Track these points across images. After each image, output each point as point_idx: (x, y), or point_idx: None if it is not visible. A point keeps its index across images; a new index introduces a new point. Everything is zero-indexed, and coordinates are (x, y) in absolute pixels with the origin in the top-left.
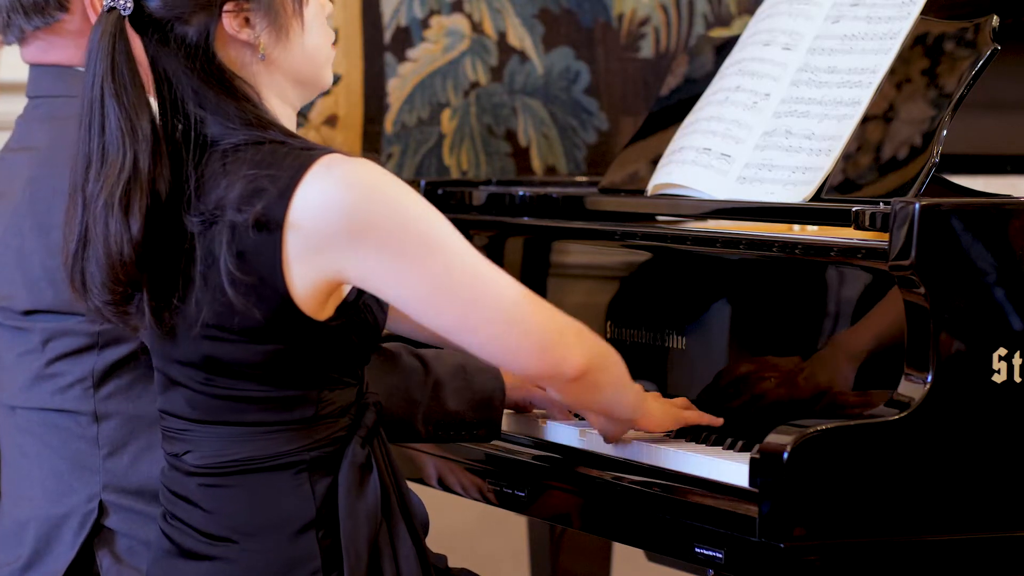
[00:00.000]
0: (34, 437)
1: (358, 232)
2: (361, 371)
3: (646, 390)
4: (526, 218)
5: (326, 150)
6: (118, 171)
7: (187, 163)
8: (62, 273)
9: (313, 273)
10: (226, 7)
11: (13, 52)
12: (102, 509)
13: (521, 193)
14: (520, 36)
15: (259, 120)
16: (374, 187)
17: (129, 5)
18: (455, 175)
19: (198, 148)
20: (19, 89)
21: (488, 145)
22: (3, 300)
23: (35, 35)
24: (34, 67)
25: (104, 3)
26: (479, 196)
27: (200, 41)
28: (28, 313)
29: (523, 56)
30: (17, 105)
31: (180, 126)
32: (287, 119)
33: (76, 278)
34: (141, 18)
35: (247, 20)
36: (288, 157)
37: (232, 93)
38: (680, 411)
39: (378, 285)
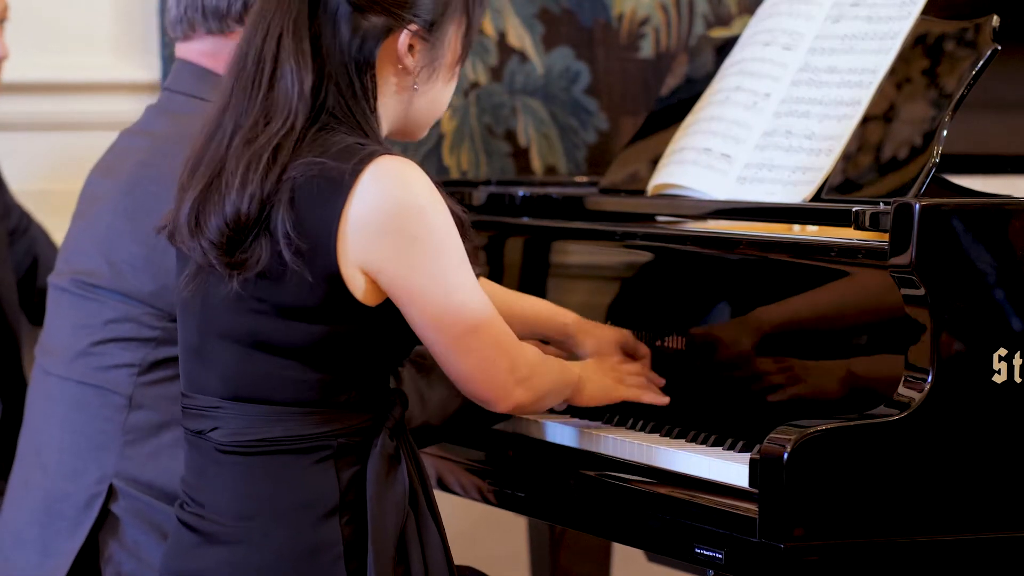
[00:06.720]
0: (63, 408)
1: (395, 231)
2: (395, 365)
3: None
4: (526, 218)
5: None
6: (278, 128)
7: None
8: (145, 263)
9: (354, 257)
10: (411, 25)
11: (13, 53)
12: (111, 493)
13: (521, 193)
14: (520, 36)
15: (368, 124)
16: (425, 204)
17: None
18: (455, 175)
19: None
20: (19, 89)
21: (488, 145)
22: (81, 273)
23: (203, 37)
24: (181, 62)
25: None
26: (479, 196)
27: (369, 40)
28: (102, 288)
29: (523, 56)
30: (17, 105)
31: (322, 99)
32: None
33: (192, 213)
34: None
35: (412, 48)
36: (361, 150)
37: (365, 97)
38: (616, 389)
39: (388, 287)
